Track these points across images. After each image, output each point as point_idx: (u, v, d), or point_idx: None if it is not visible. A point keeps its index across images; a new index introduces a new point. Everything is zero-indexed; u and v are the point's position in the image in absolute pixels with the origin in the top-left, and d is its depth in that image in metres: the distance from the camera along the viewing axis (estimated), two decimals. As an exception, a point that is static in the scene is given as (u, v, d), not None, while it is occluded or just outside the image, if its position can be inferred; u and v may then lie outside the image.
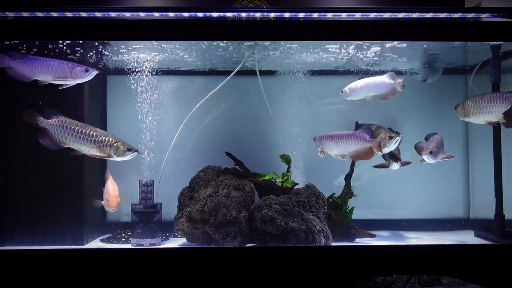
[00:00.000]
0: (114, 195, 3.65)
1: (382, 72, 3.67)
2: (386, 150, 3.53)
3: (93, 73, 3.31)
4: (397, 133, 3.53)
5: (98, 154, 3.32)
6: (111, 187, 3.67)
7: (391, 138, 3.48)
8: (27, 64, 3.23)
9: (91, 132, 3.29)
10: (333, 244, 3.53)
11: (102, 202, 3.70)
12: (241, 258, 3.18)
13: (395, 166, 3.62)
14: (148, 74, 3.87)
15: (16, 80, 3.25)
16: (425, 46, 3.52)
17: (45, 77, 3.26)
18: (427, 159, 3.48)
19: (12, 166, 3.56)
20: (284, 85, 4.14)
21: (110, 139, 3.31)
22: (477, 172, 4.21)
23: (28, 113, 3.30)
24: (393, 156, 3.66)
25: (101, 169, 3.96)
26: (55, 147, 3.32)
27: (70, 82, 3.31)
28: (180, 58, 3.81)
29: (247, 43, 3.46)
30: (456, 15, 3.33)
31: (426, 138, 3.66)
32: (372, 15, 3.28)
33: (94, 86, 3.85)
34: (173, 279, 3.10)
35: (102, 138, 3.30)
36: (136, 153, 3.40)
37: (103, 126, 4.16)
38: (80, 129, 3.29)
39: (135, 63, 3.83)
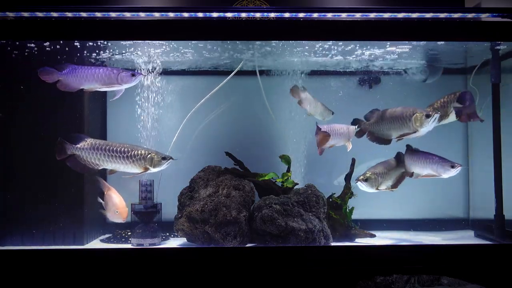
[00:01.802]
0: (123, 206, 3.62)
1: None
2: (424, 130, 3.32)
3: (139, 77, 3.30)
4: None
5: (134, 170, 3.27)
6: (117, 199, 3.63)
7: (428, 116, 3.24)
8: (73, 75, 3.22)
9: (123, 149, 3.25)
10: (333, 244, 3.53)
11: (108, 215, 3.65)
12: (241, 258, 3.18)
13: (360, 185, 3.41)
14: (148, 73, 3.87)
15: (64, 91, 3.26)
16: (428, 46, 3.52)
17: (92, 85, 3.24)
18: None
19: (12, 166, 3.56)
20: (284, 85, 4.14)
21: (143, 151, 3.27)
22: (477, 172, 4.21)
23: (58, 143, 3.27)
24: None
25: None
26: (89, 170, 3.31)
27: (117, 88, 3.30)
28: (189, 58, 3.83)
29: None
30: (456, 15, 3.33)
31: None
32: (372, 15, 3.28)
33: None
34: (173, 279, 3.10)
35: (134, 152, 3.25)
36: (171, 160, 3.35)
37: (103, 126, 4.16)
38: (111, 148, 3.24)
39: (135, 63, 3.83)
